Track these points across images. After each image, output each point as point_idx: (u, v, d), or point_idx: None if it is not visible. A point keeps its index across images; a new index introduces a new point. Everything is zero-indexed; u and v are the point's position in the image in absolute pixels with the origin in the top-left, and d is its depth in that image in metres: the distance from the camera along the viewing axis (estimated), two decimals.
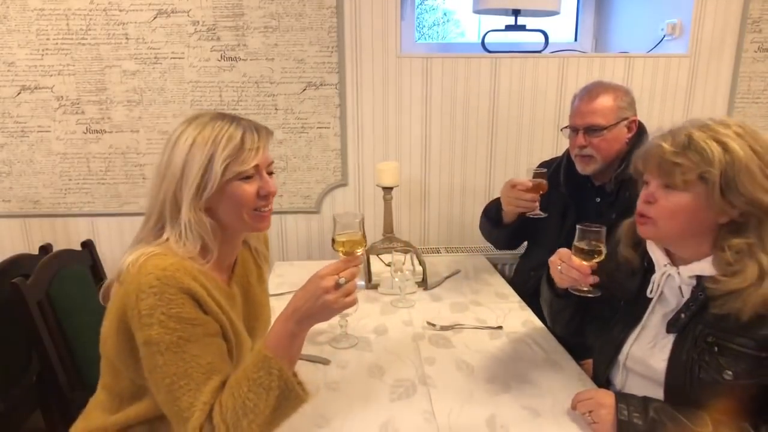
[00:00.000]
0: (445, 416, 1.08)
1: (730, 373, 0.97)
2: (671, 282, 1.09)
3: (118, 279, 0.95)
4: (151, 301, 0.88)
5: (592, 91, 1.58)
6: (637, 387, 1.12)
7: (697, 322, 1.02)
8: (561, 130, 1.68)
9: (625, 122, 1.56)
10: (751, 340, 0.96)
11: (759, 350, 0.96)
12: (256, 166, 1.00)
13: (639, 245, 1.16)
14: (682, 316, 1.05)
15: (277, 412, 0.89)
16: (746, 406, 0.96)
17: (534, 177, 1.59)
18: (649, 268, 1.16)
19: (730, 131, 0.99)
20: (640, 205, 1.08)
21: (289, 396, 0.89)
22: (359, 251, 1.07)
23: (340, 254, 1.07)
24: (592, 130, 1.54)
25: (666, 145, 1.01)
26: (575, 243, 1.15)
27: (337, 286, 0.92)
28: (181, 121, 1.03)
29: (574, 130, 1.60)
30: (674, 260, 1.10)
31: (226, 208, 1.00)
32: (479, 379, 1.22)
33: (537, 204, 1.61)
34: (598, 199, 1.64)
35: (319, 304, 0.92)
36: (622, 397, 1.02)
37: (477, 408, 1.10)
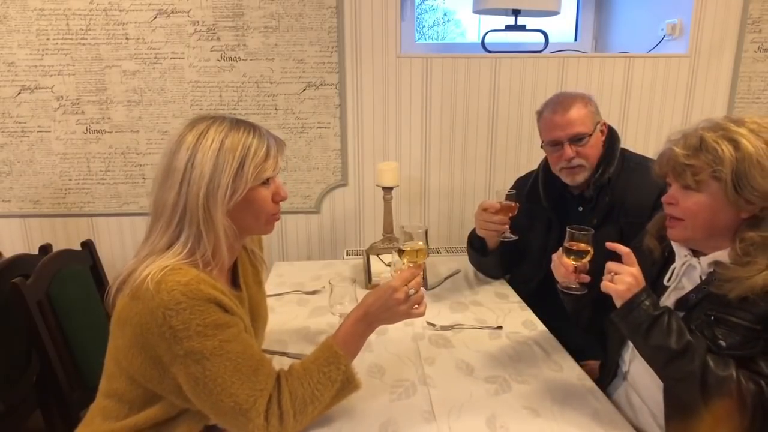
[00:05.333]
0: (445, 416, 1.07)
1: (723, 343, 0.99)
2: (691, 271, 1.12)
3: (132, 294, 0.92)
4: (183, 316, 0.88)
5: (563, 102, 1.56)
6: (642, 365, 1.12)
7: (705, 302, 1.05)
8: (541, 147, 1.65)
9: (599, 126, 1.57)
10: (750, 313, 0.98)
11: (755, 323, 0.98)
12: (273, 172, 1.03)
13: (664, 238, 1.19)
14: (692, 296, 1.08)
15: (334, 399, 1.01)
16: (747, 406, 0.96)
17: (505, 199, 1.58)
18: (668, 258, 1.18)
19: (743, 129, 1.01)
20: (665, 207, 1.11)
21: (347, 387, 1.02)
22: (422, 260, 1.20)
23: (405, 263, 1.20)
24: (577, 139, 1.53)
25: (678, 150, 1.04)
26: (564, 244, 1.19)
27: (407, 296, 1.05)
28: (193, 121, 0.99)
29: (556, 144, 1.57)
30: (695, 252, 1.13)
31: (249, 212, 1.02)
32: (479, 379, 1.21)
33: (507, 227, 1.59)
34: (581, 209, 1.63)
35: (392, 313, 1.06)
36: (647, 290, 1.03)
37: (477, 408, 1.10)
